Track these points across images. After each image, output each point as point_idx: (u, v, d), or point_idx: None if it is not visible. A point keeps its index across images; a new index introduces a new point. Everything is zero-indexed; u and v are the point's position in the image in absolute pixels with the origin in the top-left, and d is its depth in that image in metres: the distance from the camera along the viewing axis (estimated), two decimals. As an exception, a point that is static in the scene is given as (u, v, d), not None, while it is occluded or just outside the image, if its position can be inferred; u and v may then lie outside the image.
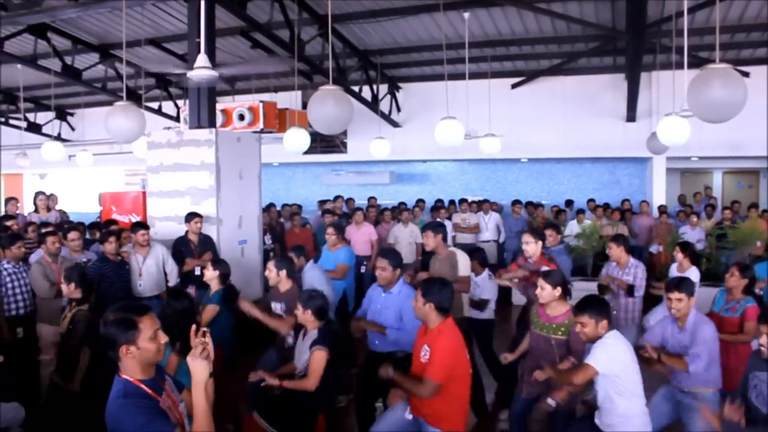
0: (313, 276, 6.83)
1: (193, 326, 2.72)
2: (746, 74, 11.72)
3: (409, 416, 4.32)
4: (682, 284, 4.62)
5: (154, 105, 14.43)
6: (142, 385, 2.64)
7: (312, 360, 4.62)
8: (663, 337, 4.68)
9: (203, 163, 8.46)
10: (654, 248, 11.54)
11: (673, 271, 7.03)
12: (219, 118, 10.85)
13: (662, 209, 12.43)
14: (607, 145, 13.66)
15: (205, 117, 8.80)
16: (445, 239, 6.35)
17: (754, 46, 12.02)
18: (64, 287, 5.33)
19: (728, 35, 11.31)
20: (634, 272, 6.49)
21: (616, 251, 6.61)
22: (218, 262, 6.18)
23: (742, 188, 16.88)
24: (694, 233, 11.05)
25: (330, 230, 8.18)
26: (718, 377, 4.55)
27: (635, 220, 12.56)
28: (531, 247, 6.19)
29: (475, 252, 6.93)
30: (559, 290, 4.67)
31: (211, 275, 5.99)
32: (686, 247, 7.07)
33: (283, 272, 5.77)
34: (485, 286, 6.82)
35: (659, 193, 13.84)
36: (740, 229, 10.65)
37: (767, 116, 11.16)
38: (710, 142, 11.97)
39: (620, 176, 15.44)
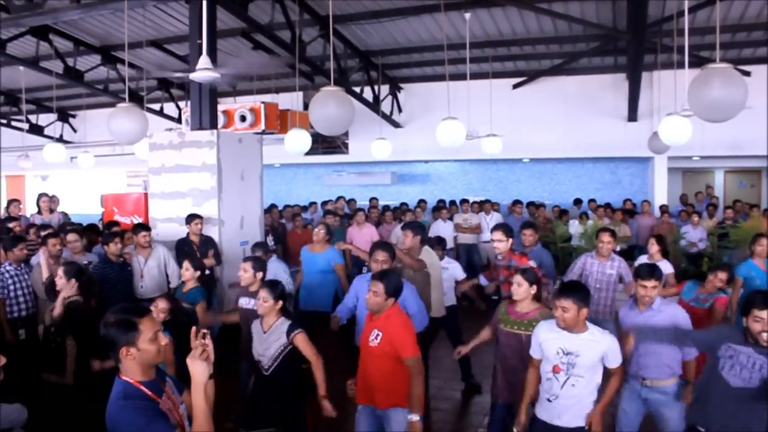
0: (278, 267, 7.06)
1: (194, 328, 2.73)
2: (747, 73, 11.70)
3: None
4: (657, 271, 4.63)
5: (156, 106, 14.45)
6: (142, 387, 2.64)
7: (301, 344, 4.63)
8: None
9: (205, 164, 8.47)
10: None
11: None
12: (220, 120, 10.85)
13: (664, 209, 12.43)
14: (609, 145, 13.66)
15: (206, 118, 8.81)
16: (423, 242, 6.33)
17: (755, 46, 12.02)
18: (62, 282, 5.28)
19: (729, 35, 11.31)
20: (619, 264, 6.63)
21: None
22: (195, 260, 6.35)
23: (743, 187, 16.87)
24: (695, 233, 11.05)
25: (321, 229, 7.90)
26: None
27: (637, 219, 12.56)
28: (502, 245, 6.19)
29: (430, 241, 7.25)
30: (534, 288, 4.65)
31: (190, 275, 6.10)
32: (661, 240, 7.18)
33: (260, 274, 5.64)
34: (453, 267, 7.24)
35: (661, 192, 13.83)
36: (742, 228, 10.64)
37: (768, 115, 11.15)
38: (711, 142, 11.97)
39: (622, 176, 15.43)
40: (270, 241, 10.08)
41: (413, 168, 16.69)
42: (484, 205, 12.88)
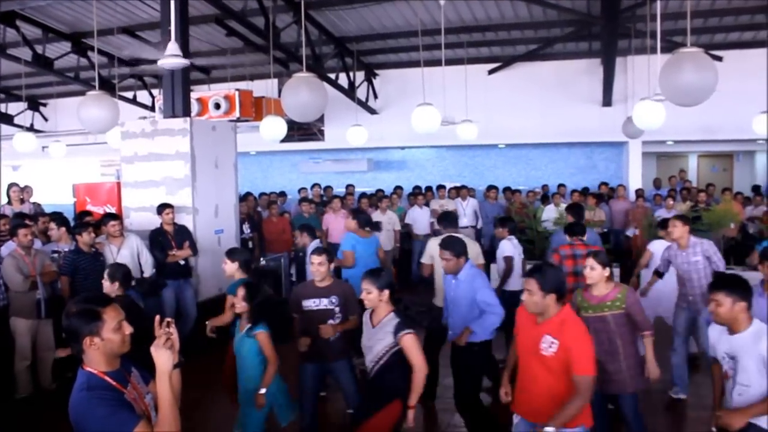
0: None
1: (157, 317, 2.71)
2: (719, 59, 11.82)
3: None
4: (600, 254, 4.72)
5: (129, 95, 14.26)
6: (107, 377, 2.60)
7: (408, 346, 4.15)
8: None
9: (178, 152, 8.39)
10: (630, 231, 11.65)
11: None
12: (194, 107, 10.78)
13: (639, 193, 12.53)
14: (584, 130, 13.73)
15: (179, 106, 8.70)
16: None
17: (726, 31, 12.13)
18: (107, 285, 5.05)
19: (701, 20, 11.38)
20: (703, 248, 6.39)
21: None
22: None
23: (716, 171, 17.07)
24: (669, 216, 11.14)
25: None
26: None
27: (612, 203, 12.66)
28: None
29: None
30: (607, 270, 4.63)
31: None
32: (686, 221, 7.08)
33: (331, 265, 5.25)
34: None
35: (635, 177, 13.96)
36: (714, 211, 10.76)
37: (740, 100, 11.25)
38: (685, 126, 12.06)
39: (597, 161, 15.51)
40: (246, 229, 10.03)
41: (389, 154, 16.65)
42: (460, 191, 12.90)
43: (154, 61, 7.09)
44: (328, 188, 13.58)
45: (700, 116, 10.99)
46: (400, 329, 4.13)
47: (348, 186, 13.72)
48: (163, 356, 2.60)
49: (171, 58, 5.53)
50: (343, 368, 5.06)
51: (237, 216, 9.42)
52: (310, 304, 4.97)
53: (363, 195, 12.34)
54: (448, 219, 6.57)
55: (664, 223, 6.91)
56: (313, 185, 13.05)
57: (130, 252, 7.43)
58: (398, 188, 13.36)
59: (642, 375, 4.69)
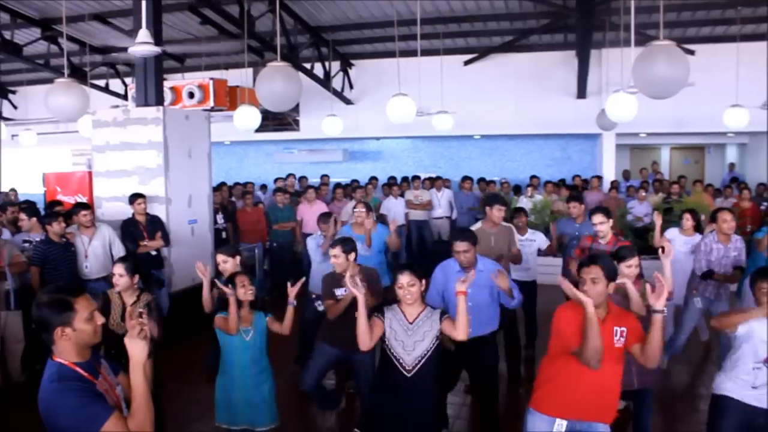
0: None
1: (129, 308, 2.67)
2: (691, 52, 11.94)
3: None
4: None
5: (102, 83, 14.07)
6: (78, 368, 2.57)
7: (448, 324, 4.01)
8: None
9: (151, 141, 8.30)
10: (604, 223, 11.73)
11: None
12: (168, 96, 10.65)
13: (614, 184, 12.63)
14: (559, 122, 13.80)
15: (152, 95, 8.60)
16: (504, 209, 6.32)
17: (699, 25, 12.26)
18: (127, 280, 4.71)
19: (674, 14, 11.50)
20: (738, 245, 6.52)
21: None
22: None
23: (688, 163, 17.28)
24: (641, 207, 11.28)
25: (362, 208, 6.98)
26: None
27: (587, 195, 12.74)
28: (604, 227, 6.22)
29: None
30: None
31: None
32: (695, 213, 7.24)
33: (352, 255, 5.10)
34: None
35: (609, 168, 14.07)
36: (686, 203, 10.88)
37: (711, 94, 11.38)
38: (657, 119, 12.17)
39: (572, 152, 15.62)
40: (220, 219, 9.97)
41: (365, 145, 16.63)
42: (435, 182, 12.92)
43: (126, 49, 6.98)
44: (302, 178, 13.52)
45: (672, 109, 11.13)
46: (442, 314, 4.02)
47: (323, 176, 13.67)
48: (138, 346, 2.58)
49: (142, 45, 5.46)
50: (363, 361, 5.01)
51: (211, 206, 9.34)
52: (341, 292, 4.97)
53: (338, 185, 12.31)
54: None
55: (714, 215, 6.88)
56: (288, 175, 12.98)
57: (101, 242, 7.34)
58: (373, 179, 13.34)
59: (647, 373, 4.42)
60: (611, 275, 3.52)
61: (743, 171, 15.31)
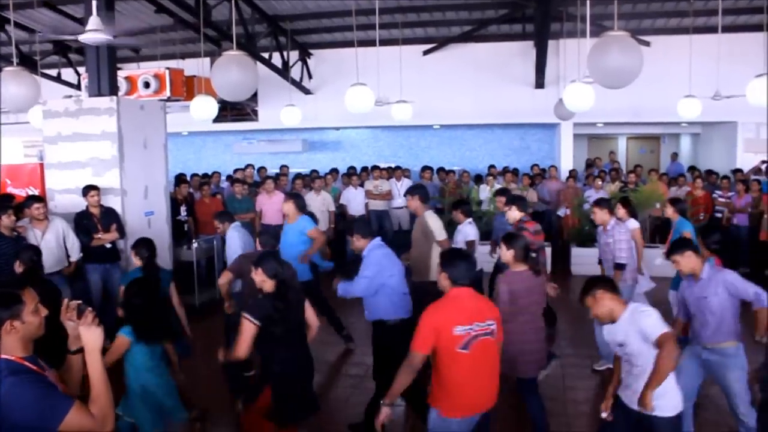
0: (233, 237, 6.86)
1: (65, 300, 2.67)
2: (647, 44, 12.13)
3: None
4: (685, 243, 4.77)
5: (53, 72, 13.72)
6: (26, 362, 2.54)
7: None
8: None
9: (104, 132, 8.14)
10: (562, 211, 11.89)
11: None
12: (123, 86, 10.48)
13: (572, 174, 12.77)
14: (517, 112, 13.91)
15: (105, 84, 8.43)
16: (425, 200, 6.54)
17: (654, 17, 12.43)
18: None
19: (630, 5, 11.65)
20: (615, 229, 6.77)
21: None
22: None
23: (644, 153, 17.56)
24: (598, 196, 11.41)
25: (289, 201, 7.25)
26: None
27: (545, 184, 12.88)
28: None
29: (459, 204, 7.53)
30: (512, 252, 4.79)
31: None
32: (626, 202, 7.46)
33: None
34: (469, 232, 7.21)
35: (567, 158, 14.23)
36: (641, 192, 11.07)
37: (666, 84, 11.57)
38: (614, 109, 12.32)
39: (530, 142, 15.77)
40: (183, 211, 9.87)
41: (324, 135, 16.57)
42: (394, 172, 12.92)
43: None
44: (261, 169, 13.40)
45: (628, 99, 11.26)
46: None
47: (282, 167, 13.57)
48: (94, 334, 2.62)
49: (93, 33, 5.33)
50: None
51: (168, 198, 9.21)
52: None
53: (297, 176, 12.24)
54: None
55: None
56: (247, 166, 12.85)
57: (55, 236, 7.19)
58: (333, 171, 13.27)
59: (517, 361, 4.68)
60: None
61: (696, 161, 15.60)
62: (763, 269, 9.66)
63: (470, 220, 7.32)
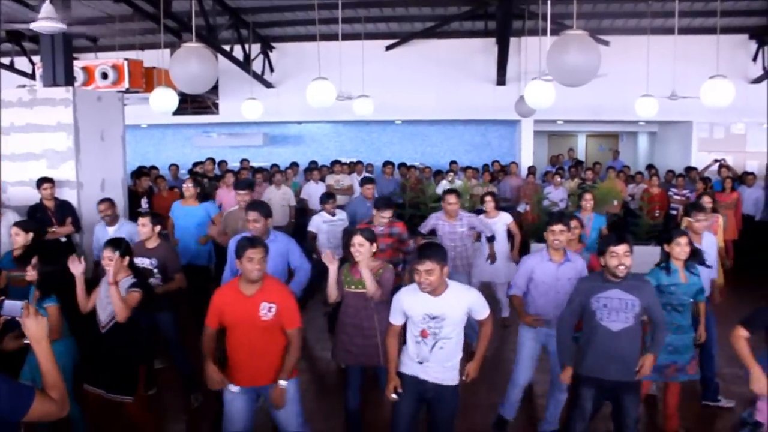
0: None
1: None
2: (606, 43, 12.31)
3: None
4: (565, 216, 5.08)
5: (6, 60, 13.40)
6: None
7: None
8: None
9: (60, 123, 7.98)
10: (521, 207, 12.00)
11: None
12: (80, 76, 10.28)
13: (532, 170, 12.90)
14: (479, 108, 14.00)
15: (61, 74, 8.27)
16: None
17: (613, 17, 12.61)
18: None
19: (590, 5, 11.81)
20: (468, 221, 7.13)
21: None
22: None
23: (603, 150, 17.82)
24: (557, 193, 11.56)
25: (190, 183, 7.80)
26: None
27: (506, 180, 12.99)
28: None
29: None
30: (375, 246, 4.74)
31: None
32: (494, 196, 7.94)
33: (158, 228, 5.77)
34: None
35: (527, 154, 14.37)
36: (600, 189, 11.23)
37: (625, 84, 11.77)
38: (574, 107, 12.50)
39: (491, 138, 15.90)
40: (144, 204, 9.76)
41: (286, 129, 16.48)
42: (356, 167, 12.90)
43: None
44: (222, 162, 13.27)
45: (587, 98, 11.44)
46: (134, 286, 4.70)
47: (243, 160, 13.46)
48: (37, 324, 2.63)
49: (46, 21, 5.21)
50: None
51: (125, 191, 9.08)
52: (138, 261, 5.30)
53: (258, 170, 12.15)
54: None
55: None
56: (207, 159, 12.71)
57: (7, 229, 7.01)
58: (294, 165, 13.20)
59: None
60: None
61: (653, 159, 15.88)
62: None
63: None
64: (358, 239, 4.67)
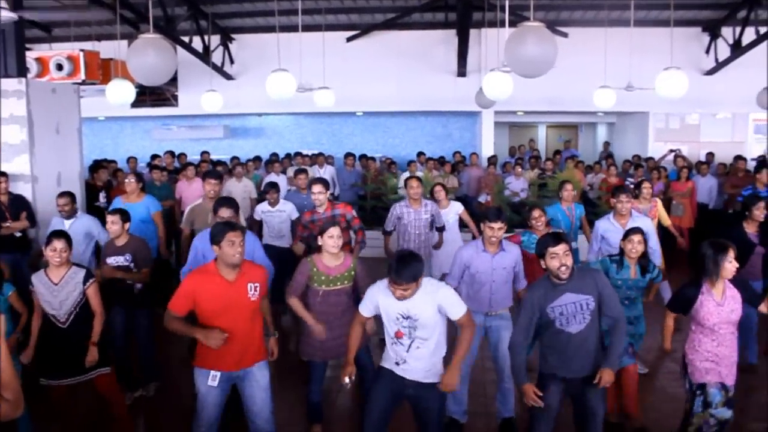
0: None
1: None
2: (565, 35, 12.45)
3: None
4: (503, 213, 4.97)
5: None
6: None
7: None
8: None
9: (12, 116, 7.78)
10: (482, 198, 12.09)
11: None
12: (33, 68, 10.07)
13: (492, 161, 12.99)
14: (440, 100, 14.07)
15: (13, 65, 8.08)
16: None
17: (571, 9, 12.75)
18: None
19: (548, -3, 11.93)
20: (432, 208, 7.19)
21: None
22: None
23: (562, 141, 18.03)
24: (518, 183, 11.68)
25: (132, 178, 7.59)
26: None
27: (467, 171, 13.07)
28: (322, 196, 6.54)
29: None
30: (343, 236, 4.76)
31: None
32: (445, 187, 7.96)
33: (127, 224, 5.70)
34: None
35: (488, 145, 14.48)
36: (559, 178, 11.36)
37: (583, 75, 11.92)
38: (533, 98, 12.63)
39: (452, 129, 15.98)
40: (102, 198, 9.59)
41: (246, 121, 16.36)
42: (317, 158, 12.87)
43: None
44: (181, 155, 13.12)
45: (547, 89, 11.56)
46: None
47: (203, 153, 13.32)
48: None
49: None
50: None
51: (82, 184, 8.92)
52: (111, 261, 5.58)
53: (218, 162, 12.04)
54: None
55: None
56: (166, 152, 12.55)
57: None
58: (257, 159, 13.10)
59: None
60: None
61: (612, 148, 16.12)
62: (672, 251, 10.10)
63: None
64: (335, 231, 4.63)
